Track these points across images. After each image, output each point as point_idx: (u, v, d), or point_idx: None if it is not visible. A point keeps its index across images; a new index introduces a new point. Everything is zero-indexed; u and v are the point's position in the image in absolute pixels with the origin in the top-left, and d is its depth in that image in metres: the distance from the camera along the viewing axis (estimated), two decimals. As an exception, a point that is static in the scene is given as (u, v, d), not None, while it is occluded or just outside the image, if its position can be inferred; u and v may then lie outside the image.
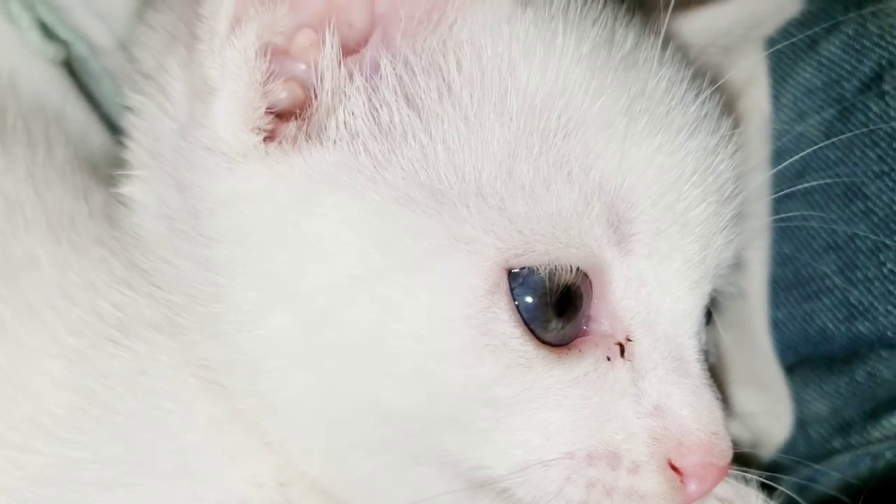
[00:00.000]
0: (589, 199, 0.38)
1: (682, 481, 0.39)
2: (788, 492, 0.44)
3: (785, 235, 0.53)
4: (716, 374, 0.44)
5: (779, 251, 0.53)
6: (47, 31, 0.54)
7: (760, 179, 0.50)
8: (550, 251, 0.38)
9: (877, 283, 0.49)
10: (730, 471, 0.41)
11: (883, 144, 0.49)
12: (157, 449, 0.41)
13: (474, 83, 0.39)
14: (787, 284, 0.54)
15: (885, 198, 0.49)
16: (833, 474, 0.50)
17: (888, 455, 0.49)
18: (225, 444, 0.41)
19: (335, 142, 0.39)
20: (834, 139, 0.50)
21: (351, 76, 0.39)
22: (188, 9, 0.40)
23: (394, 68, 0.39)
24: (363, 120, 0.39)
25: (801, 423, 0.54)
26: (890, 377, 0.50)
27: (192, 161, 0.39)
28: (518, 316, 0.38)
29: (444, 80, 0.39)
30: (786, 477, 0.49)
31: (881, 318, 0.49)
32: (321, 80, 0.39)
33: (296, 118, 0.39)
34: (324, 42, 0.39)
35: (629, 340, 0.40)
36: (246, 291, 0.39)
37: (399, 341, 0.38)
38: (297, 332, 0.38)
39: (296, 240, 0.38)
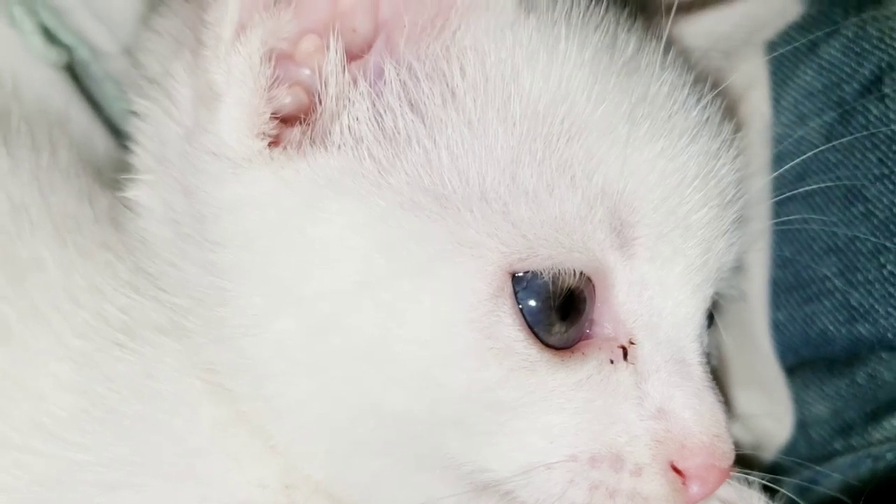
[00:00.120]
0: (592, 204, 0.39)
1: (684, 483, 0.39)
2: (790, 494, 0.44)
3: (785, 238, 0.53)
4: (718, 377, 0.44)
5: (779, 254, 0.54)
6: (50, 36, 0.54)
7: (761, 183, 0.50)
8: (554, 255, 0.38)
9: (877, 286, 0.49)
10: (732, 473, 0.41)
11: (883, 147, 0.49)
12: (163, 451, 0.41)
13: (478, 89, 0.39)
14: (787, 287, 0.54)
15: (885, 200, 0.49)
16: (834, 476, 0.50)
17: (889, 457, 0.49)
18: (230, 447, 0.41)
19: (340, 147, 0.39)
20: (834, 142, 0.50)
21: (355, 82, 0.39)
22: (193, 14, 0.40)
23: (398, 74, 0.39)
24: (367, 125, 0.39)
25: (802, 425, 0.54)
26: (890, 379, 0.50)
27: (197, 166, 0.40)
28: (522, 319, 0.38)
29: (447, 85, 0.39)
30: (787, 479, 0.49)
31: (881, 321, 0.49)
32: (325, 86, 0.39)
33: (300, 123, 0.39)
34: (328, 47, 0.39)
35: (632, 343, 0.40)
36: (251, 296, 0.39)
37: (403, 345, 0.38)
38: (302, 337, 0.38)
39: (300, 245, 0.38)
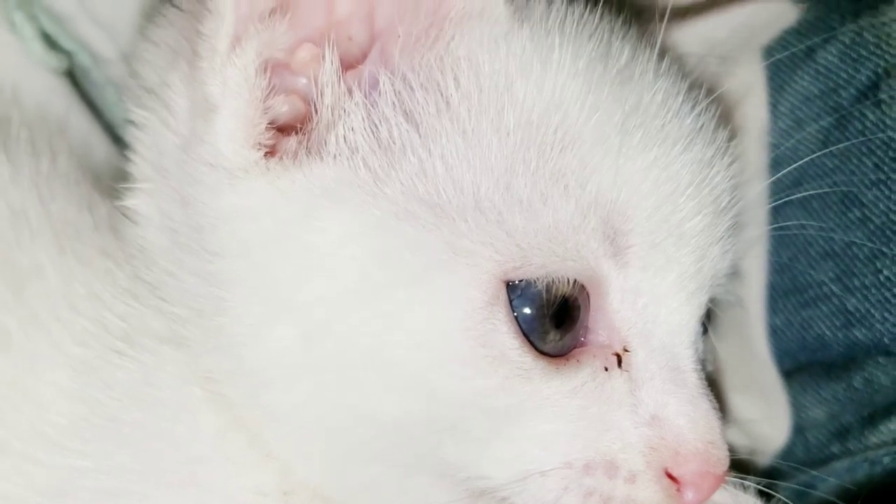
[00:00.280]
0: (585, 213, 0.39)
1: (678, 490, 0.40)
2: (785, 499, 0.45)
3: (782, 243, 0.53)
4: (713, 383, 0.44)
5: (776, 259, 0.54)
6: (50, 41, 0.54)
7: (758, 188, 0.50)
8: (548, 264, 0.38)
9: (873, 291, 0.49)
10: (728, 477, 0.42)
11: (879, 153, 0.49)
12: (165, 459, 0.41)
13: (472, 99, 0.39)
14: (784, 291, 0.54)
15: (881, 206, 0.49)
16: (830, 480, 0.50)
17: (886, 461, 0.49)
18: (230, 454, 0.42)
19: (335, 157, 0.39)
20: (831, 148, 0.50)
21: (350, 92, 0.39)
22: (189, 25, 0.41)
23: (392, 84, 0.39)
24: (362, 135, 0.39)
25: (799, 429, 0.54)
26: (887, 383, 0.50)
27: (194, 176, 0.40)
28: (517, 327, 0.39)
29: (442, 95, 0.39)
30: (783, 483, 0.49)
31: (878, 325, 0.50)
32: (321, 95, 0.39)
33: (296, 133, 0.40)
34: (324, 57, 0.39)
35: (626, 351, 0.40)
36: (248, 305, 0.39)
37: (399, 353, 0.38)
38: (299, 345, 0.39)
39: (297, 254, 0.39)
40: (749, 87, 0.53)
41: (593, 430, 0.39)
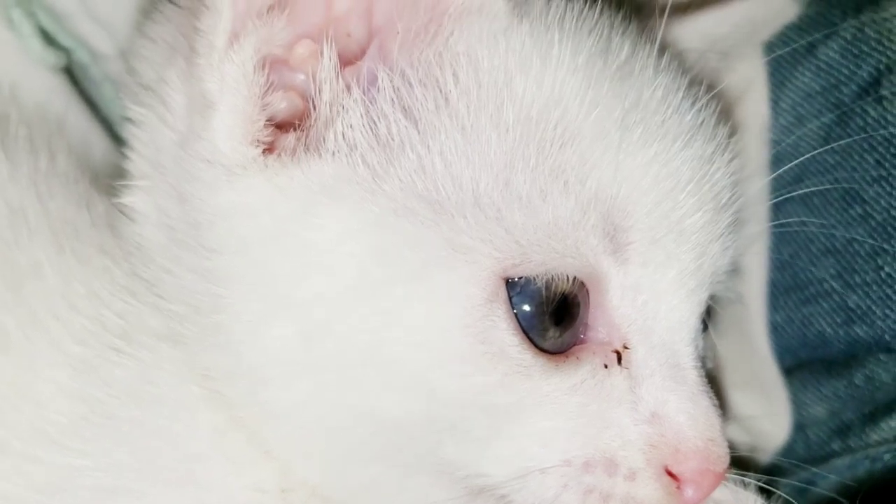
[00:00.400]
0: (585, 209, 0.39)
1: (678, 487, 0.40)
2: (786, 496, 0.44)
3: (783, 240, 0.53)
4: (713, 380, 0.44)
5: (777, 256, 0.53)
6: (48, 39, 0.54)
7: (759, 184, 0.50)
8: (547, 261, 0.38)
9: (875, 287, 0.49)
10: (728, 474, 0.41)
11: (881, 149, 0.49)
12: (163, 457, 0.41)
13: (471, 95, 0.39)
14: (785, 288, 0.54)
15: (882, 202, 0.49)
16: (831, 477, 0.50)
17: (887, 458, 0.49)
18: (229, 452, 0.42)
19: (334, 153, 0.39)
20: (833, 144, 0.50)
21: (349, 88, 0.39)
22: (187, 21, 0.40)
23: (391, 80, 0.39)
24: (361, 132, 0.39)
25: (800, 427, 0.54)
26: (888, 380, 0.50)
27: (191, 173, 0.40)
28: (516, 324, 0.38)
29: (441, 91, 0.39)
30: (784, 480, 0.49)
31: (879, 322, 0.49)
32: (320, 92, 0.39)
33: (295, 129, 0.39)
34: (322, 53, 0.39)
35: (626, 348, 0.40)
36: (247, 302, 0.39)
37: (398, 350, 0.38)
38: (297, 343, 0.39)
39: (295, 251, 0.38)
40: (750, 84, 0.53)
41: (593, 428, 0.39)
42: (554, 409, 0.39)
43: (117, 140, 0.52)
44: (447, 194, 0.38)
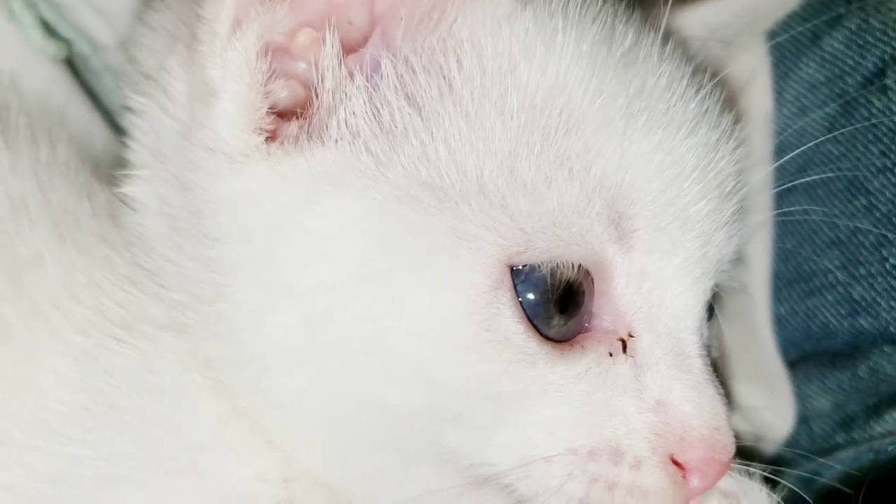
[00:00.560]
0: (590, 197, 0.38)
1: (684, 476, 0.39)
2: (791, 485, 0.44)
3: (787, 231, 0.53)
4: (718, 369, 0.44)
5: (781, 246, 0.53)
6: (49, 30, 0.54)
7: (762, 174, 0.50)
8: (552, 248, 0.38)
9: (879, 279, 0.49)
10: (733, 464, 0.41)
11: (886, 140, 0.49)
12: (165, 446, 0.41)
13: (475, 81, 0.39)
14: (789, 280, 0.54)
15: (888, 193, 0.49)
16: (837, 468, 0.50)
17: (891, 450, 0.49)
18: (231, 441, 0.41)
19: (337, 141, 0.39)
20: (836, 132, 0.50)
21: (351, 75, 0.39)
22: (188, 9, 0.40)
23: (394, 67, 0.39)
24: (364, 119, 0.39)
25: (804, 419, 0.54)
26: (892, 372, 0.50)
27: (193, 161, 0.40)
28: (521, 312, 0.38)
29: (444, 78, 0.39)
30: (789, 470, 0.49)
31: (884, 314, 0.49)
32: (322, 80, 0.39)
33: (297, 118, 0.39)
34: (324, 41, 0.39)
35: (631, 336, 0.40)
36: (249, 291, 0.39)
37: (401, 338, 0.38)
38: (300, 331, 0.38)
39: (298, 239, 0.38)
40: (753, 74, 0.53)
41: (598, 416, 0.39)
42: (559, 397, 0.39)
43: (118, 131, 0.52)
44: (451, 181, 0.38)
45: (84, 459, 0.40)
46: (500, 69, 0.39)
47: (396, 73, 0.39)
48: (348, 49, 0.39)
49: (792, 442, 0.54)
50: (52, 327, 0.42)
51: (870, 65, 0.50)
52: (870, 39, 0.50)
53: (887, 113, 0.49)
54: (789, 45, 0.52)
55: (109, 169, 0.47)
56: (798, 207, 0.51)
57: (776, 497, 0.43)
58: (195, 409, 0.41)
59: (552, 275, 0.38)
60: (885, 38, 0.49)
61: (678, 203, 0.40)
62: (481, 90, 0.39)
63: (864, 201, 0.50)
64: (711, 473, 0.39)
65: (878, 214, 0.49)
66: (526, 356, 0.38)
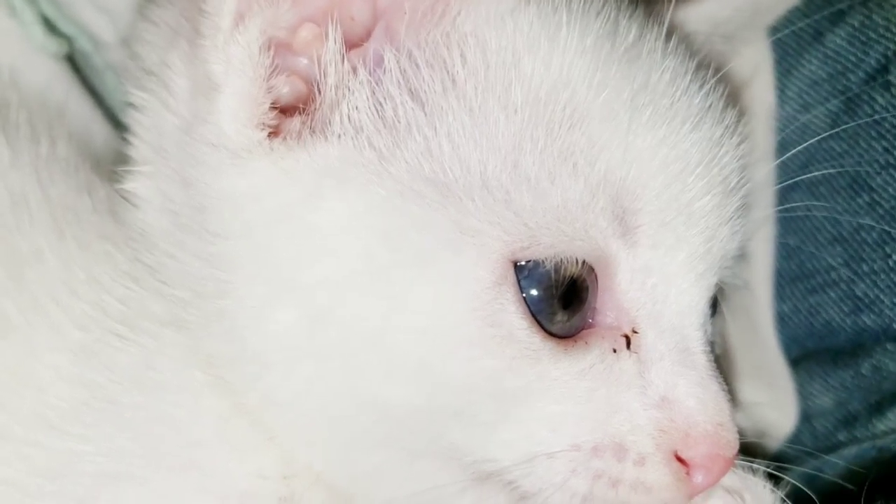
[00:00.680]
0: (594, 192, 0.38)
1: (688, 473, 0.39)
2: (795, 482, 0.44)
3: (790, 227, 0.53)
4: (722, 366, 0.44)
5: (783, 243, 0.53)
6: (50, 26, 0.54)
7: (765, 170, 0.50)
8: (556, 244, 0.38)
9: (882, 276, 0.49)
10: (736, 461, 0.41)
11: (889, 136, 0.48)
12: (166, 443, 0.41)
13: (479, 76, 0.39)
14: (792, 277, 0.54)
15: (891, 190, 0.48)
16: (840, 464, 0.50)
17: (894, 448, 0.49)
18: (232, 438, 0.41)
19: (339, 136, 0.38)
20: (839, 128, 0.49)
21: (354, 70, 0.39)
22: (190, 4, 0.40)
23: (397, 62, 0.39)
24: (367, 114, 0.39)
25: (806, 417, 0.54)
26: (895, 370, 0.50)
27: (196, 157, 0.39)
28: (525, 307, 0.38)
29: (448, 73, 0.39)
30: (792, 467, 0.49)
31: (887, 311, 0.49)
32: (324, 75, 0.39)
33: (300, 113, 0.39)
34: (326, 36, 0.38)
35: (635, 332, 0.40)
36: (251, 287, 0.39)
37: (404, 335, 0.38)
38: (302, 328, 0.38)
39: (301, 235, 0.38)
40: (756, 70, 0.53)
41: (602, 412, 0.39)
42: (562, 393, 0.38)
43: (119, 128, 0.52)
44: (455, 177, 0.38)
45: (84, 455, 0.40)
46: (503, 63, 0.39)
47: (400, 67, 0.39)
48: (351, 44, 0.39)
49: (795, 439, 0.54)
50: (52, 323, 0.42)
51: (872, 61, 0.49)
52: (873, 36, 0.50)
53: (890, 109, 0.48)
54: (792, 41, 0.52)
55: (111, 166, 0.47)
56: (801, 204, 0.51)
57: (779, 494, 0.43)
58: (196, 405, 0.41)
59: (556, 270, 0.38)
60: (889, 35, 0.49)
61: (682, 198, 0.40)
62: (485, 85, 0.38)
63: (867, 198, 0.49)
64: (715, 470, 0.39)
65: (881, 211, 0.49)
66: (530, 352, 0.38)
